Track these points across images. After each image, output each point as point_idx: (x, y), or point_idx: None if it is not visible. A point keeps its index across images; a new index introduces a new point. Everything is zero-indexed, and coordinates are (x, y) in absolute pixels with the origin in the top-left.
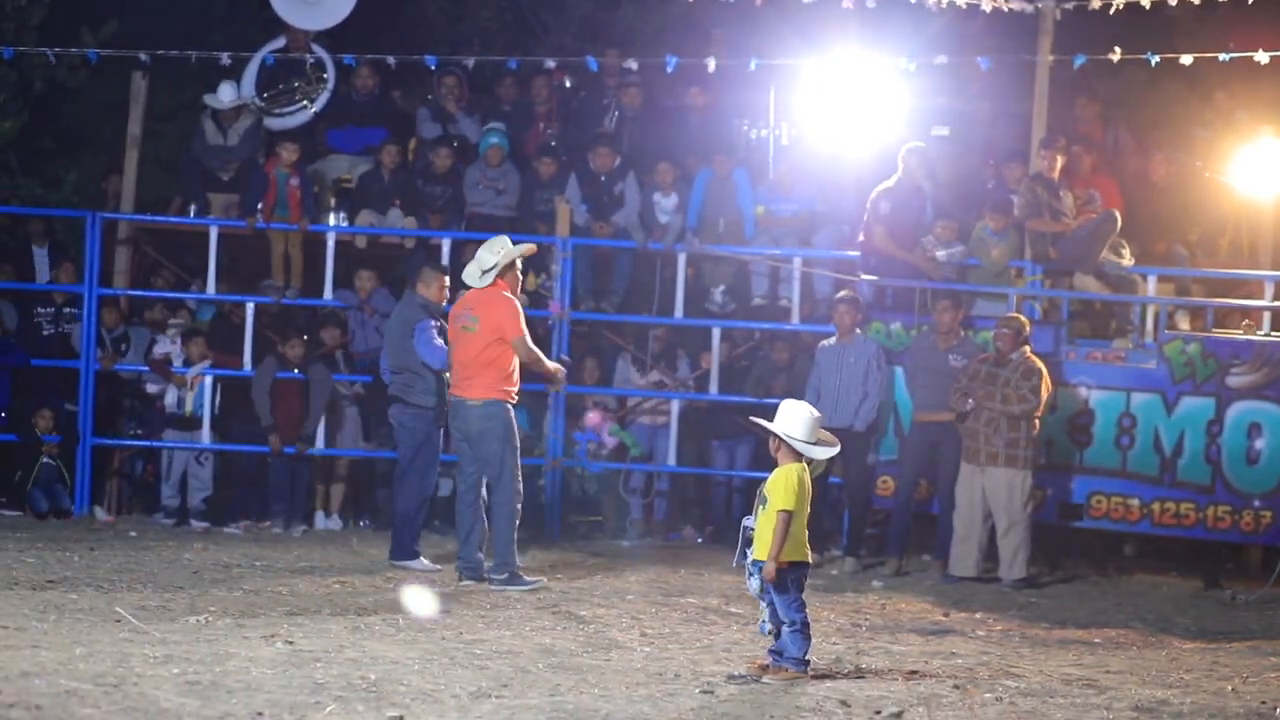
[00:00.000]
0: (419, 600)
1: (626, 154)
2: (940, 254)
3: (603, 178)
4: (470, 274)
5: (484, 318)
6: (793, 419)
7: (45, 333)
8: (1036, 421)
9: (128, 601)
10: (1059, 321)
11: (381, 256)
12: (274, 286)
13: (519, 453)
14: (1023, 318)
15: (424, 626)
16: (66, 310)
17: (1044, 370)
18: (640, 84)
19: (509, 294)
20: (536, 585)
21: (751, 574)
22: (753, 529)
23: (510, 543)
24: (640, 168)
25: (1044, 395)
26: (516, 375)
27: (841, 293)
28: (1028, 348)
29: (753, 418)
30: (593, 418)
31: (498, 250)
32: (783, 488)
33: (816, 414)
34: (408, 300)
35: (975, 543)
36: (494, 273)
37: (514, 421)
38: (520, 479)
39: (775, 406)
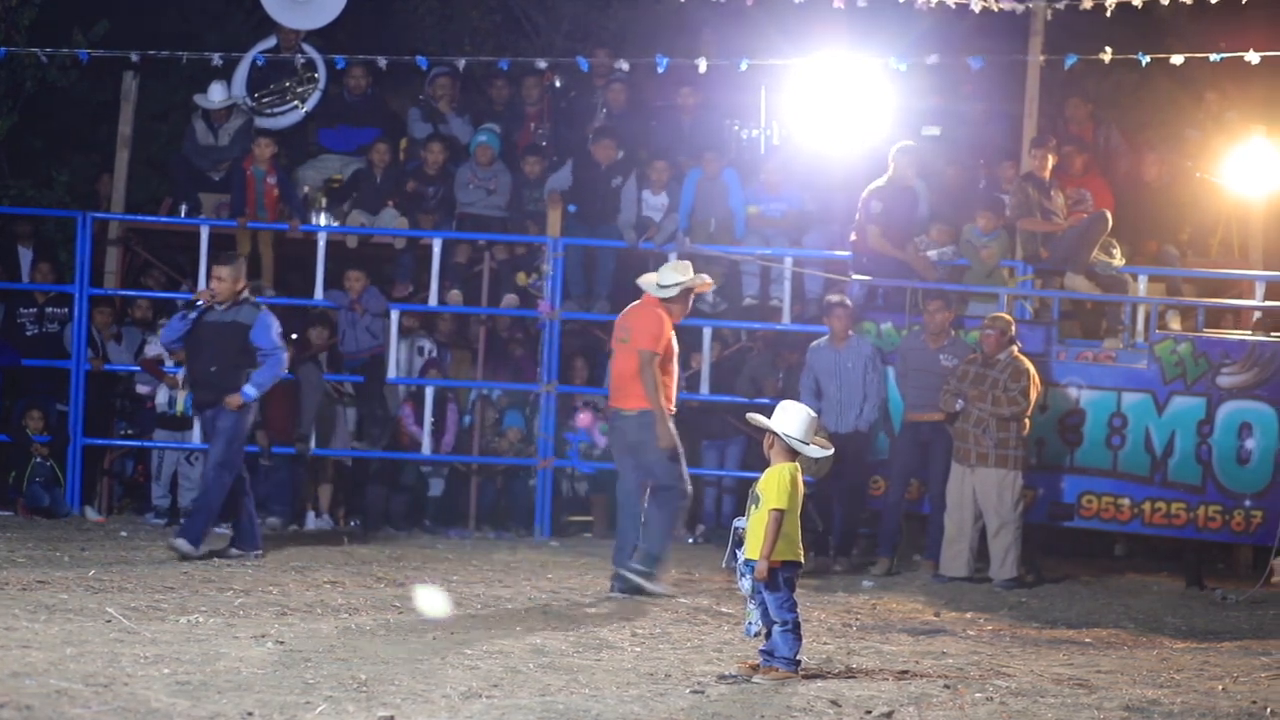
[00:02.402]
0: (429, 600)
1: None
2: (931, 254)
3: (603, 168)
4: (647, 281)
5: (634, 330)
6: (790, 418)
7: (29, 333)
8: (1026, 422)
9: (118, 601)
10: (1050, 321)
11: (371, 256)
12: (258, 287)
13: (683, 457)
14: (1007, 317)
15: (414, 626)
16: (49, 310)
17: (1033, 370)
18: (625, 82)
19: (664, 313)
20: (665, 593)
21: (743, 574)
22: (743, 529)
23: (664, 539)
24: (635, 167)
25: (1033, 396)
26: (672, 385)
27: (834, 297)
28: (1015, 347)
29: (750, 415)
30: (584, 418)
31: (684, 272)
32: (775, 487)
33: (813, 415)
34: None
35: (966, 543)
36: (670, 290)
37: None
38: (687, 480)
39: (766, 407)
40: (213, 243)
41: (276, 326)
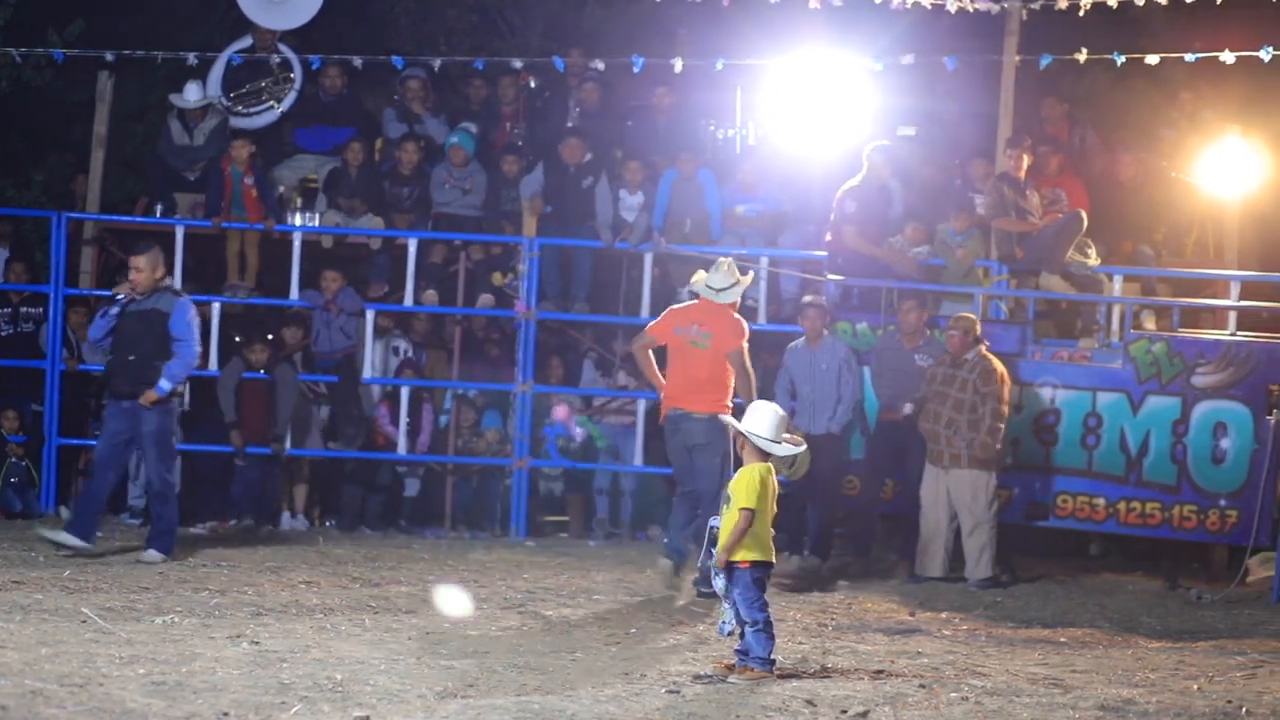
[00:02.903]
0: (448, 600)
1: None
2: (907, 253)
3: (571, 169)
4: (698, 282)
5: (716, 334)
6: (759, 419)
7: (3, 333)
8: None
9: (93, 602)
10: (1025, 321)
11: (347, 256)
12: (235, 287)
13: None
14: (971, 316)
15: (389, 626)
16: (24, 310)
17: (1002, 369)
18: (598, 80)
19: (733, 312)
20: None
21: (717, 574)
22: (718, 529)
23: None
24: (605, 166)
25: (1007, 395)
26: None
27: (808, 298)
28: (982, 346)
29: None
30: (560, 411)
31: (731, 272)
32: (744, 487)
33: (782, 413)
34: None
35: (941, 543)
36: (732, 293)
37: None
38: None
39: (741, 406)
40: (188, 243)
41: (194, 315)
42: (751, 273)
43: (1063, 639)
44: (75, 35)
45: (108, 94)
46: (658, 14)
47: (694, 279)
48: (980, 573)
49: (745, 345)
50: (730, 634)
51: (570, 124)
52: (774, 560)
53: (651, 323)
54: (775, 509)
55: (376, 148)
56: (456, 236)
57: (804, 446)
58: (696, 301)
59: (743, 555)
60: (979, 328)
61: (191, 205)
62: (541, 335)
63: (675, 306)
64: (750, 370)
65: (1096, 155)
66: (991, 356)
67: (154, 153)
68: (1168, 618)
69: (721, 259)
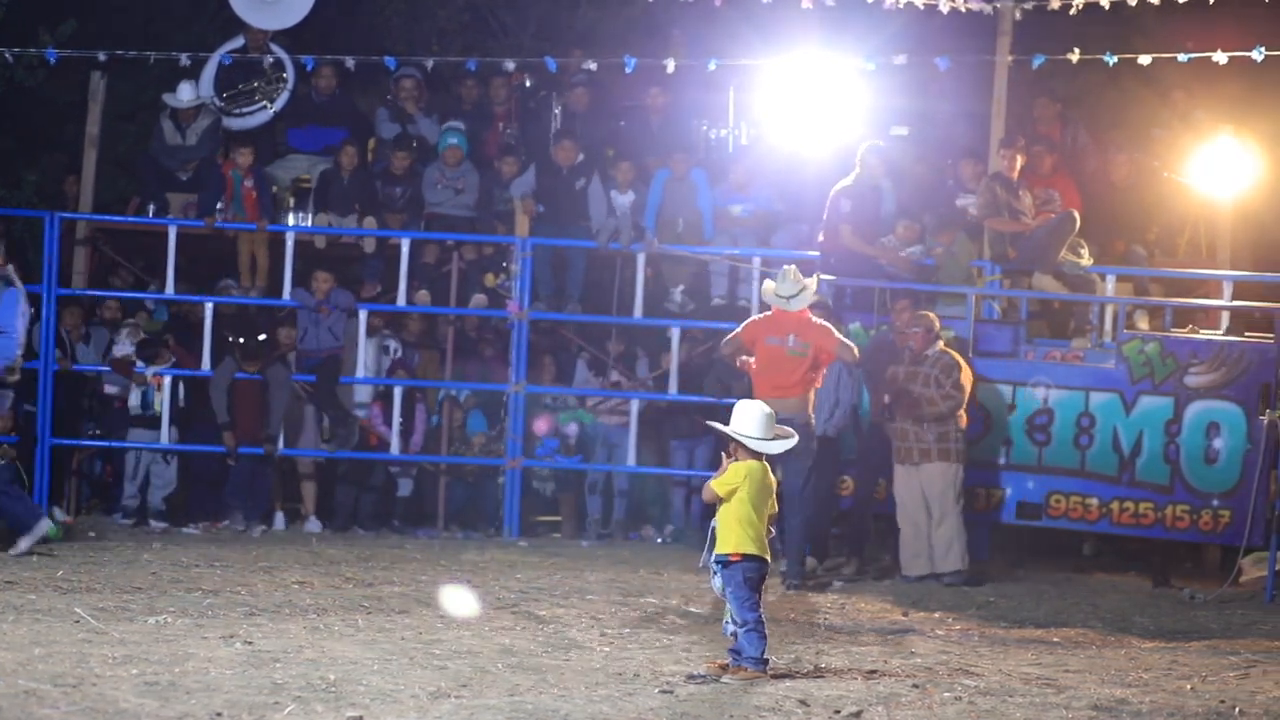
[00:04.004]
0: (455, 600)
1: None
2: (902, 253)
3: (564, 170)
4: (769, 292)
5: (814, 343)
6: (746, 419)
7: None
8: (962, 415)
9: (86, 602)
10: (1018, 321)
11: (340, 257)
12: (231, 286)
13: None
14: (931, 315)
15: (383, 626)
16: None
17: (963, 362)
18: (587, 83)
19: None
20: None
21: (715, 573)
22: (717, 529)
23: (803, 552)
24: (597, 167)
25: (967, 387)
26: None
27: (814, 298)
28: (941, 342)
29: (709, 424)
30: (540, 425)
31: (798, 278)
32: (726, 477)
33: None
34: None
35: (925, 542)
36: (801, 299)
37: None
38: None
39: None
40: (180, 242)
41: (22, 305)
42: (816, 274)
43: (1056, 639)
44: (67, 35)
45: (100, 94)
46: (651, 14)
47: (764, 289)
48: (950, 564)
49: (836, 333)
50: (733, 633)
51: (556, 125)
52: (769, 559)
53: (738, 329)
54: (776, 507)
55: (369, 148)
56: (449, 237)
57: (795, 439)
58: (771, 312)
59: (736, 547)
60: (938, 324)
61: (184, 205)
62: (534, 335)
63: (757, 317)
64: (850, 341)
65: (1089, 155)
66: (951, 350)
67: (146, 153)
68: (1161, 618)
69: (786, 266)
